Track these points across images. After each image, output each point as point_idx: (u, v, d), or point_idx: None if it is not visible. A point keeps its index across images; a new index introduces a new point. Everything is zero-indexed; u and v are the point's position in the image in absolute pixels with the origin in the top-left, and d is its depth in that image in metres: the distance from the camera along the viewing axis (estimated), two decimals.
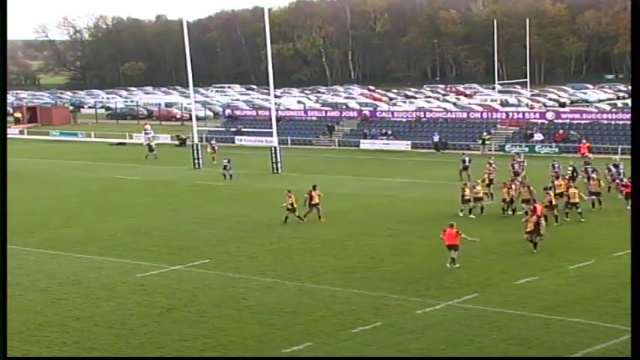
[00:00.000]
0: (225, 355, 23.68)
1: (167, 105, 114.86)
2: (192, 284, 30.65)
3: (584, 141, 62.22)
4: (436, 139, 70.10)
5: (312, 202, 40.75)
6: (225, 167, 57.10)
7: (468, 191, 41.23)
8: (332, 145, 75.67)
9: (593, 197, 41.91)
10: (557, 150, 64.95)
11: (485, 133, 69.31)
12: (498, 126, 73.47)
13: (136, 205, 48.51)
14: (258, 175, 58.49)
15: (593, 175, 43.15)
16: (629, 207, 37.64)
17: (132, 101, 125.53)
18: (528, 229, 33.71)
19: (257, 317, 26.58)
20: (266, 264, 33.27)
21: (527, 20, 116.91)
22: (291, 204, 40.44)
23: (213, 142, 68.66)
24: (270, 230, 39.59)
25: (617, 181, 45.80)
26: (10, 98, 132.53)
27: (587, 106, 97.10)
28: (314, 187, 41.25)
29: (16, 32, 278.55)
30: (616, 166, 49.00)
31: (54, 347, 24.61)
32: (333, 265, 32.68)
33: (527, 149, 65.50)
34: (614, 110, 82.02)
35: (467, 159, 53.37)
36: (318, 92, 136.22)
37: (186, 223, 41.69)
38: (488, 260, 32.59)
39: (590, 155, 54.85)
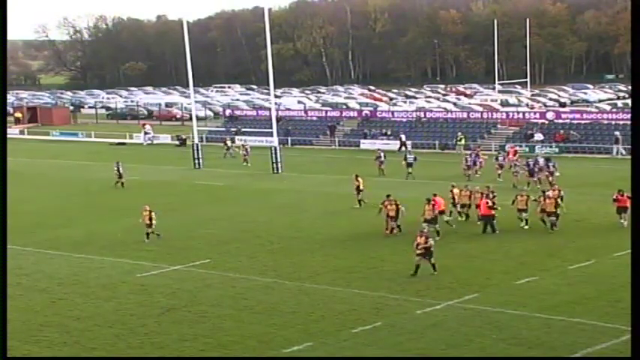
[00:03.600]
0: (225, 355, 23.67)
1: (167, 105, 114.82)
2: (193, 284, 30.65)
3: (512, 144, 62.60)
4: (403, 138, 70.72)
5: (389, 215, 37.49)
6: (119, 175, 54.51)
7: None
8: (332, 145, 75.65)
9: (552, 218, 37.10)
10: (557, 150, 64.95)
11: (459, 134, 69.66)
12: (498, 126, 73.49)
13: (137, 205, 48.37)
14: (258, 175, 58.48)
15: (549, 194, 38.29)
16: (622, 221, 36.62)
17: (132, 101, 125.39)
18: (419, 252, 30.32)
19: (257, 317, 26.58)
20: (266, 264, 33.27)
21: (527, 20, 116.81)
22: (149, 219, 37.45)
23: (245, 143, 67.26)
24: (270, 230, 39.58)
25: (547, 173, 47.75)
26: (11, 98, 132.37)
27: (588, 106, 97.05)
28: (387, 197, 37.92)
29: (16, 32, 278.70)
30: (547, 159, 50.52)
31: (54, 347, 24.61)
32: (333, 265, 32.67)
33: (527, 149, 65.51)
34: (614, 110, 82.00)
35: (382, 154, 57.20)
36: (319, 92, 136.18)
37: (186, 223, 41.68)
38: (488, 260, 32.57)
39: (516, 159, 55.13)
